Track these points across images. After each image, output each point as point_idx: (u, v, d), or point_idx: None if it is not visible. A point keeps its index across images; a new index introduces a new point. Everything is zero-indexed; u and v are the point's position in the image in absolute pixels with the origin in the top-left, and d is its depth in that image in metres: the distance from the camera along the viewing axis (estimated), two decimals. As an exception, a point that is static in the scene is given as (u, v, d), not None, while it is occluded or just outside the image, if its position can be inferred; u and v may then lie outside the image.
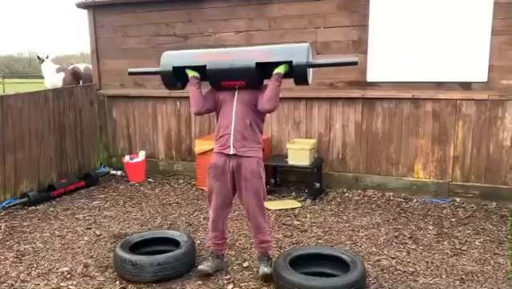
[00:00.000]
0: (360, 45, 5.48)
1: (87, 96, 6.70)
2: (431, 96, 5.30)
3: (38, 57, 12.51)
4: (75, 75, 11.33)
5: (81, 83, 10.06)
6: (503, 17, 4.89)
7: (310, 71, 3.34)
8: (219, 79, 3.40)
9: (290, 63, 3.21)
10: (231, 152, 3.35)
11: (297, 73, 3.23)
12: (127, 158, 6.52)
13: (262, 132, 3.50)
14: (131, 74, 3.86)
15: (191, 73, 3.44)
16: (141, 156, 6.56)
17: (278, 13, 5.78)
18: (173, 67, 3.46)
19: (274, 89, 3.26)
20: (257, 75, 3.31)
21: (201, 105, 3.45)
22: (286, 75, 3.28)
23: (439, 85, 5.28)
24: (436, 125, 5.36)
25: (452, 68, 5.16)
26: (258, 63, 3.25)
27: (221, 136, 3.41)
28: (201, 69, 3.40)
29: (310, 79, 3.33)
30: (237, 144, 3.33)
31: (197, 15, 6.19)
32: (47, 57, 12.22)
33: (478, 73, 5.06)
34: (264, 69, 3.29)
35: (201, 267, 3.51)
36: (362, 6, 5.39)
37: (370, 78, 5.50)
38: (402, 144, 5.53)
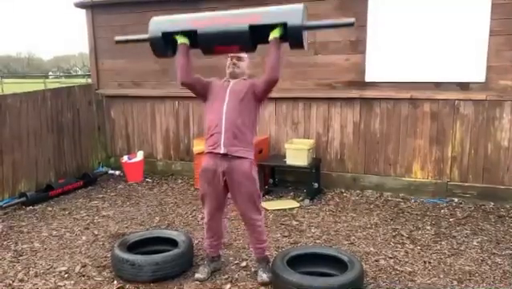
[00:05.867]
0: (358, 45, 5.49)
1: (86, 96, 6.70)
2: (429, 97, 5.32)
3: None
4: None
5: None
6: (501, 17, 4.90)
7: (306, 34, 3.19)
8: (211, 45, 3.26)
9: (284, 24, 3.02)
10: (222, 152, 3.24)
11: (292, 36, 3.04)
12: (125, 158, 6.52)
13: (255, 133, 3.40)
14: (118, 42, 3.66)
15: (180, 39, 3.25)
16: (139, 156, 6.56)
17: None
18: (162, 33, 3.28)
19: (276, 56, 3.10)
20: (250, 40, 3.15)
21: (189, 75, 3.29)
22: (281, 39, 3.10)
23: (437, 85, 5.29)
24: (434, 125, 5.37)
25: (450, 69, 5.17)
26: (251, 26, 3.08)
27: (211, 135, 3.31)
28: (192, 35, 3.24)
29: (305, 44, 3.17)
30: (228, 143, 3.23)
31: (195, 15, 6.18)
32: None
33: (476, 73, 5.08)
34: (258, 33, 3.12)
35: (197, 276, 3.49)
36: (360, 7, 5.39)
37: (368, 78, 5.51)
38: (400, 144, 5.54)
